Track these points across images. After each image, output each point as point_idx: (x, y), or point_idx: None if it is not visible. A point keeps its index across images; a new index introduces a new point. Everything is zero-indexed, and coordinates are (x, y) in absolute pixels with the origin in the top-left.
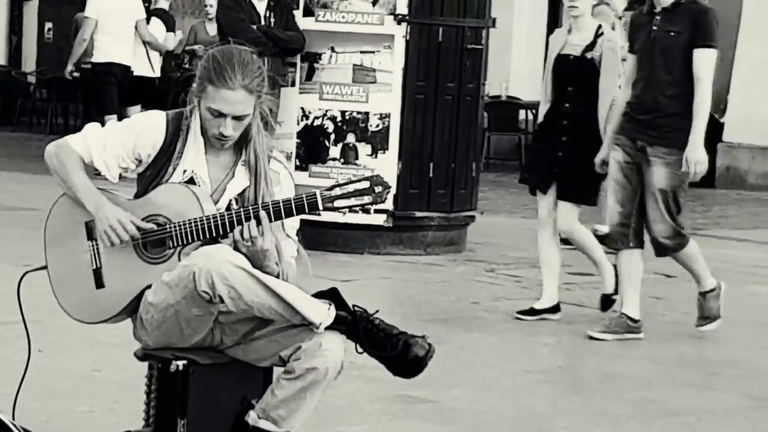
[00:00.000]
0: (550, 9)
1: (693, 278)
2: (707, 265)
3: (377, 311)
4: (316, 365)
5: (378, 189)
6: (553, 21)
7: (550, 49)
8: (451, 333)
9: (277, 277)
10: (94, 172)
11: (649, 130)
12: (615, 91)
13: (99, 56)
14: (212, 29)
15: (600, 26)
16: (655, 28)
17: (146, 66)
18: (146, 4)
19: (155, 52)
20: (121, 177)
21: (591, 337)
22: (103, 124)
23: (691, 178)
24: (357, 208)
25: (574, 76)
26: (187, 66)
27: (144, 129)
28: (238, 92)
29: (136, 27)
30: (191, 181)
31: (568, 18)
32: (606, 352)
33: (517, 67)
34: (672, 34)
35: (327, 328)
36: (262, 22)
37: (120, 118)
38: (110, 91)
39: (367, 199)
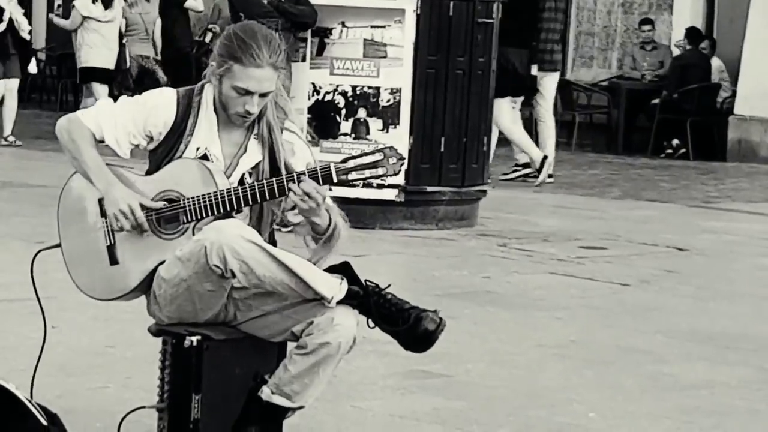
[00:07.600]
0: None
1: None
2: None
3: (389, 286)
4: (329, 340)
5: (392, 160)
6: None
7: None
8: (464, 308)
9: (329, 226)
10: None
11: None
12: None
13: None
14: None
15: None
16: None
17: None
18: None
19: None
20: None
21: None
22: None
23: None
24: (371, 180)
25: None
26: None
27: (155, 106)
28: (266, 69)
29: None
30: (204, 157)
31: None
32: (619, 326)
33: None
34: None
35: (339, 303)
36: None
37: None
38: None
39: (381, 170)
